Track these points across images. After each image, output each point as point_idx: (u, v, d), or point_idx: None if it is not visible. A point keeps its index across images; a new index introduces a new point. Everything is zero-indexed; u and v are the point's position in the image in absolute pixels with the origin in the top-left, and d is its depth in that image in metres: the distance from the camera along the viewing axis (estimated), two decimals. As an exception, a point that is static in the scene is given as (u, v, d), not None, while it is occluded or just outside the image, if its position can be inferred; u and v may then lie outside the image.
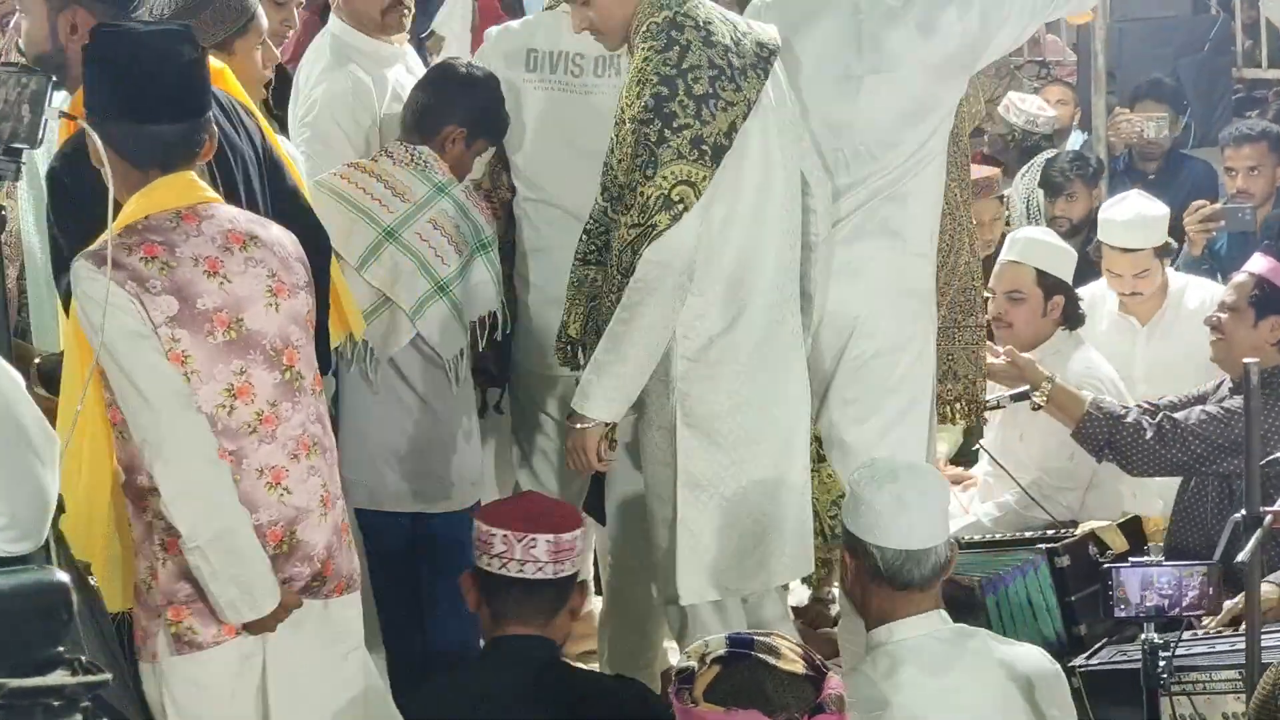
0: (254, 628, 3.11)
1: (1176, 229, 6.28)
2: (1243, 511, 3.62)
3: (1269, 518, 3.61)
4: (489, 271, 4.20)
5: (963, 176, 4.26)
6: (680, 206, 3.58)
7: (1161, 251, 5.60)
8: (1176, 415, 4.34)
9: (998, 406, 4.65)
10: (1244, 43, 11.69)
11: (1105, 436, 4.32)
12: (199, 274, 3.02)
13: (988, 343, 4.67)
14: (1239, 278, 4.52)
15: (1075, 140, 7.91)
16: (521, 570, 3.17)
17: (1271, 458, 3.96)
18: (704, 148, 3.59)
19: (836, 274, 3.98)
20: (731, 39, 3.69)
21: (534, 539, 3.17)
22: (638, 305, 3.61)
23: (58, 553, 2.23)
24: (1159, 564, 3.36)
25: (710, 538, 3.79)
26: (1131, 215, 5.55)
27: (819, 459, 3.96)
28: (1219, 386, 4.52)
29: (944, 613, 3.17)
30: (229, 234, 3.09)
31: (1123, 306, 5.59)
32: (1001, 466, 4.89)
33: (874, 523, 3.13)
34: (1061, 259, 5.14)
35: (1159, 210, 5.61)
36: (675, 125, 3.56)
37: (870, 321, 4.01)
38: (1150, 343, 5.50)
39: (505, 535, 3.18)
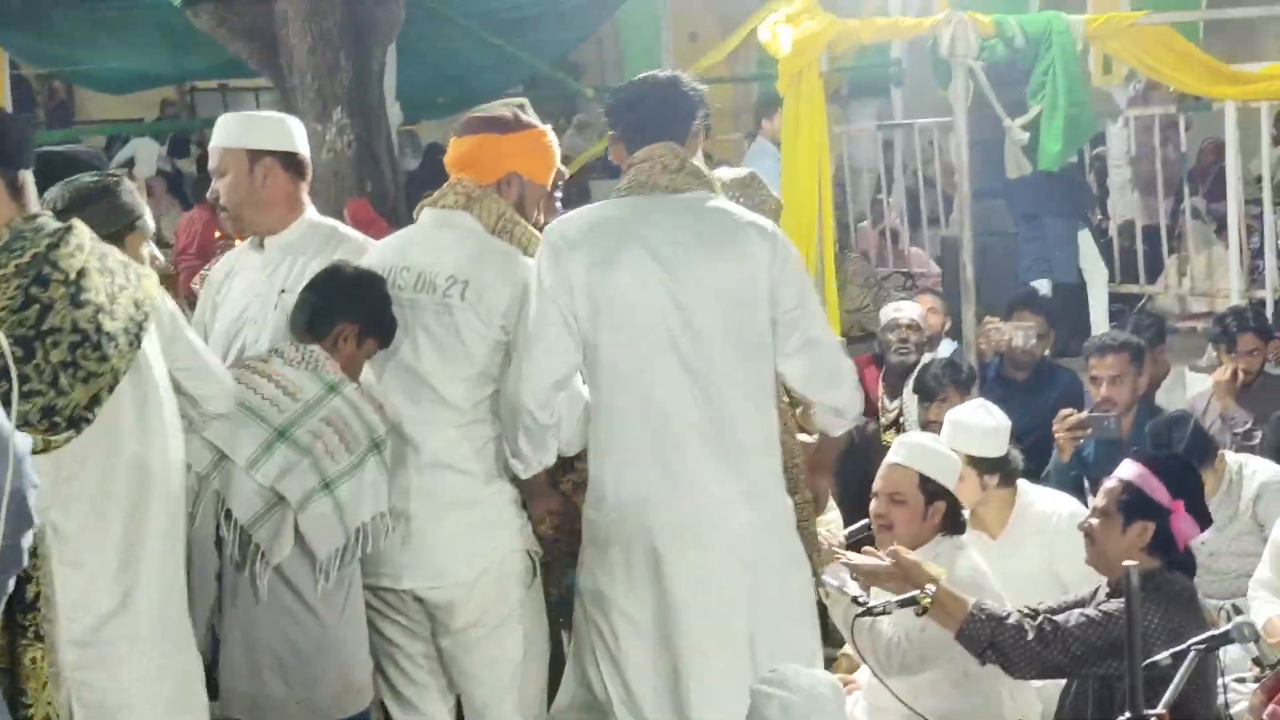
0: None
1: (1046, 438, 6.46)
2: (1127, 714, 3.70)
3: (1153, 719, 3.69)
4: (381, 472, 4.17)
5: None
6: None
7: (984, 464, 5.61)
8: (1056, 618, 4.41)
9: (884, 613, 4.67)
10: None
11: (988, 638, 4.37)
12: None
13: (870, 549, 4.76)
14: (1109, 484, 4.59)
15: (946, 348, 8.10)
16: None
17: (1152, 659, 4.05)
18: (56, 419, 3.34)
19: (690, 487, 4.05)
20: (107, 294, 3.45)
21: None
22: None
23: None
24: (1050, 764, 3.41)
25: None
26: (953, 418, 5.70)
27: None
28: (1096, 592, 4.61)
29: None
30: None
31: (973, 519, 5.60)
32: (876, 675, 4.90)
33: None
34: (946, 465, 5.20)
35: (979, 420, 5.65)
36: (25, 390, 3.28)
37: (754, 528, 4.09)
38: (1002, 557, 5.50)
39: None
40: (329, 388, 4.14)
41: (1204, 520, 4.47)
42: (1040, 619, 4.39)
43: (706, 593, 4.06)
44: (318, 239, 4.54)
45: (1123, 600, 4.28)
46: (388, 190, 7.92)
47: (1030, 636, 4.33)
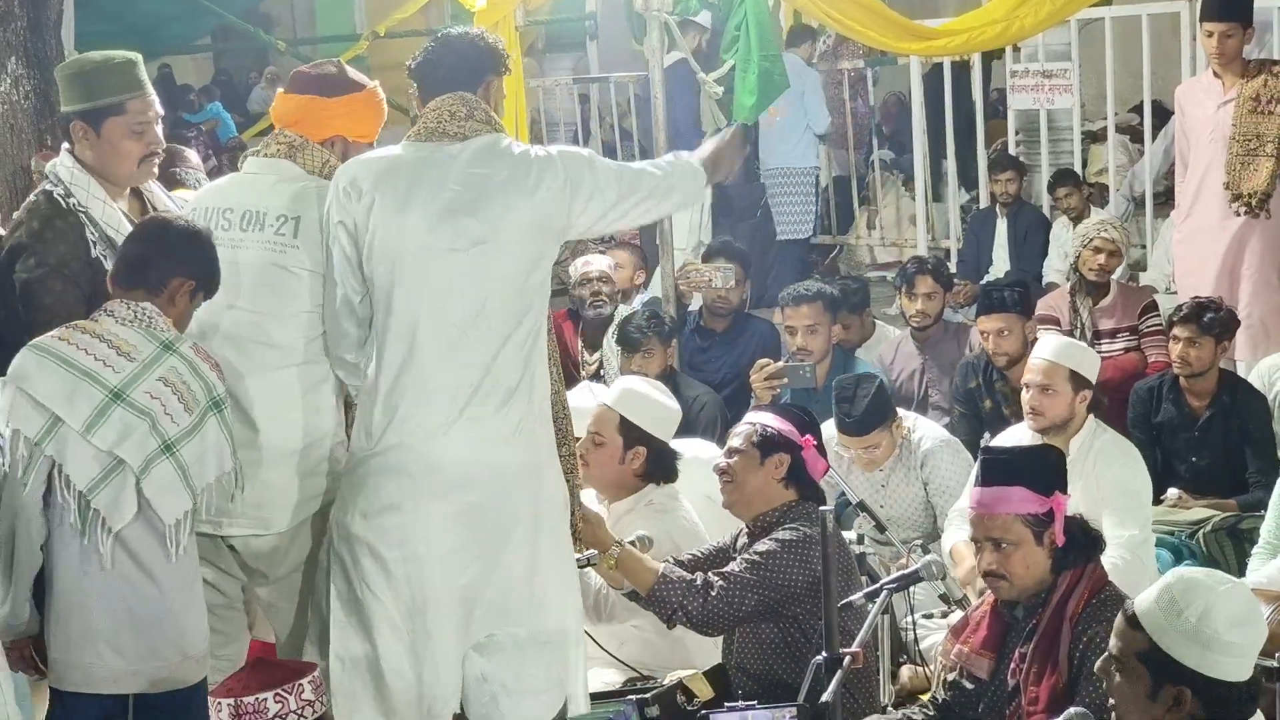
0: None
1: (744, 388, 6.58)
2: (823, 654, 3.80)
3: (848, 658, 3.80)
4: (223, 432, 4.03)
5: None
6: None
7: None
8: (725, 570, 4.51)
9: (589, 564, 4.66)
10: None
11: (677, 602, 4.45)
12: None
13: None
14: (739, 428, 4.77)
15: (639, 301, 8.16)
16: None
17: (847, 600, 4.17)
18: None
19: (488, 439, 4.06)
20: None
21: (219, 703, 3.44)
22: None
23: None
24: (752, 707, 3.48)
25: None
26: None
27: None
28: (737, 537, 4.74)
29: None
30: None
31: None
32: (596, 642, 4.92)
33: (465, 695, 3.44)
34: (656, 413, 5.21)
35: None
36: None
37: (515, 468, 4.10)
38: None
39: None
40: (164, 346, 3.95)
41: (824, 459, 4.74)
42: (715, 576, 4.49)
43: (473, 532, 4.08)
44: None
45: (770, 540, 4.50)
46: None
47: (713, 594, 4.42)
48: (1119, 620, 3.38)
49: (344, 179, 4.14)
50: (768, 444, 4.62)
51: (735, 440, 4.70)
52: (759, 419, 4.71)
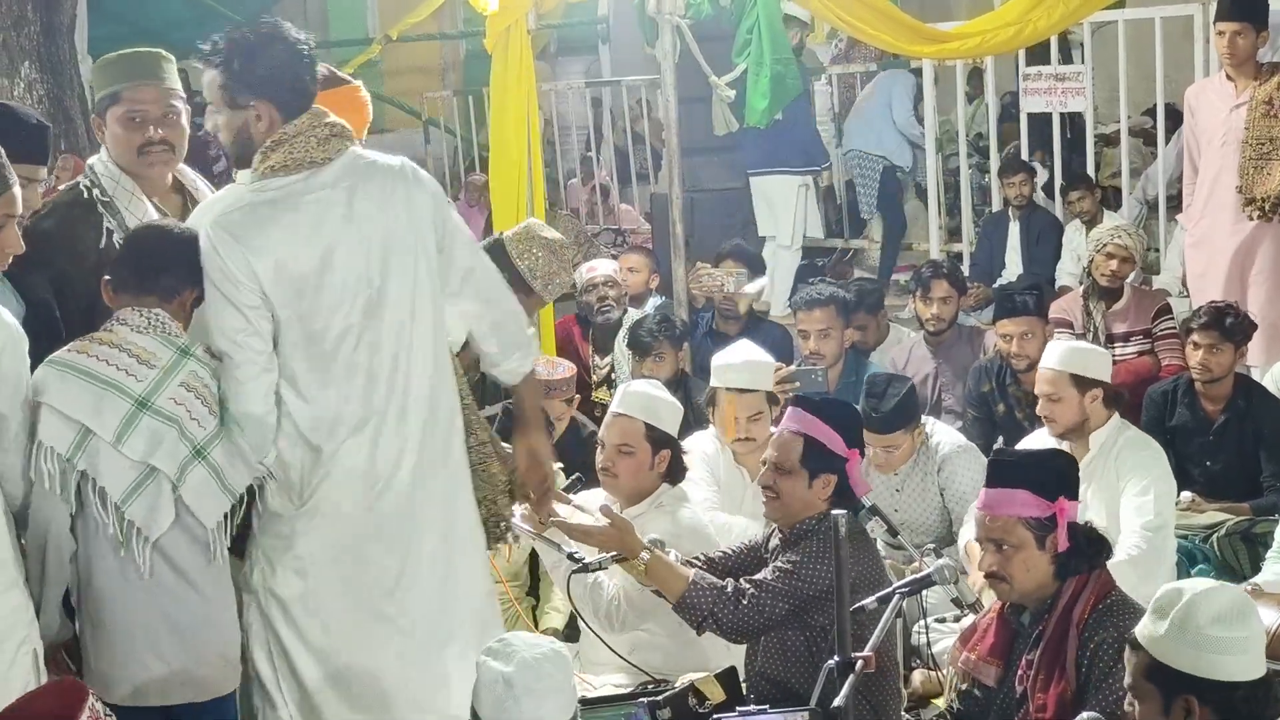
0: None
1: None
2: (836, 658, 3.79)
3: (860, 663, 3.78)
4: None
5: None
6: None
7: (771, 399, 5.83)
8: (756, 577, 4.49)
9: (600, 568, 4.68)
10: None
11: (708, 609, 4.43)
12: None
13: (578, 505, 4.78)
14: (784, 437, 4.57)
15: (652, 305, 8.16)
16: None
17: (859, 604, 4.15)
18: None
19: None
20: None
21: None
22: None
23: None
24: (764, 711, 3.47)
25: None
26: (746, 358, 5.83)
27: None
28: (769, 538, 4.69)
29: None
30: None
31: (736, 458, 5.77)
32: (594, 631, 4.93)
33: (480, 699, 3.30)
34: (672, 413, 5.24)
35: (766, 356, 5.91)
36: None
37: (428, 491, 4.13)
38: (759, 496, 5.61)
39: None
40: (181, 351, 3.93)
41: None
42: (741, 582, 4.46)
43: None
44: None
45: (803, 550, 4.45)
46: (82, 148, 7.64)
47: (745, 603, 4.40)
48: (1126, 650, 3.39)
49: (220, 229, 3.92)
50: (818, 464, 4.49)
51: (780, 454, 4.54)
52: (807, 428, 4.52)
